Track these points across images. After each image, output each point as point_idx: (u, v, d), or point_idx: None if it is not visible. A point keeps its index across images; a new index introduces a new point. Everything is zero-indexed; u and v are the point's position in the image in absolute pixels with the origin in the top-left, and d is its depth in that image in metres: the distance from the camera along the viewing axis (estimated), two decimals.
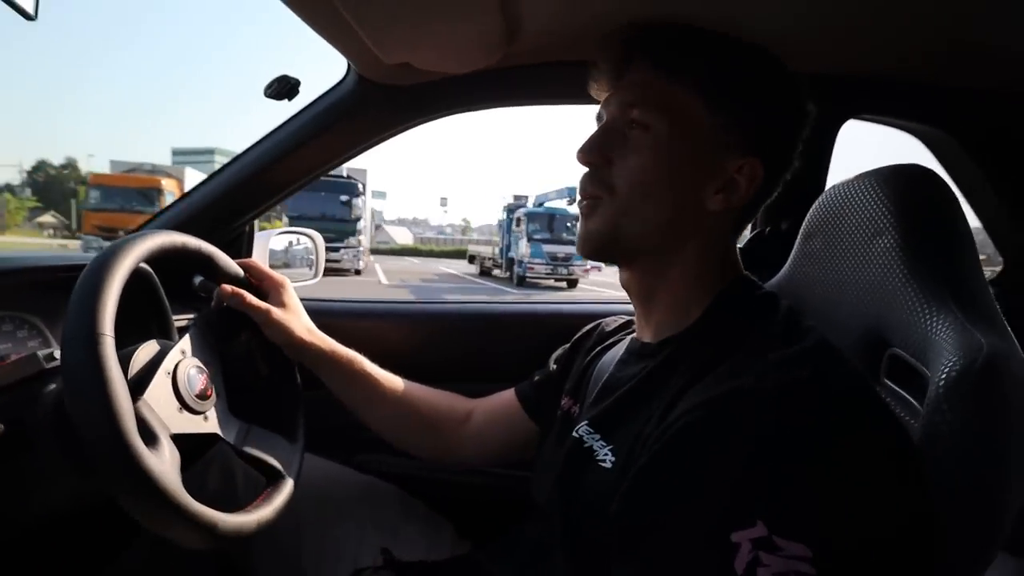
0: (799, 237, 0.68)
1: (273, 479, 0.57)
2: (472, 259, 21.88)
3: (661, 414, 0.46)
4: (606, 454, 0.51)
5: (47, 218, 44.10)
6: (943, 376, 0.39)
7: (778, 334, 0.47)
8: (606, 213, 0.54)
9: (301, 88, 0.84)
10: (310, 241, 1.27)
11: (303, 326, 0.72)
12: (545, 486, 0.61)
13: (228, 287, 0.67)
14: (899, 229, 0.51)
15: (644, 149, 0.52)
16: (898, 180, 0.54)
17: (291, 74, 0.83)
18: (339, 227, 12.91)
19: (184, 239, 0.61)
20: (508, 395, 0.79)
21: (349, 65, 0.81)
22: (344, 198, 13.19)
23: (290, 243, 1.19)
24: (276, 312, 0.69)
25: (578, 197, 0.57)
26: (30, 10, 0.45)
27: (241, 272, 0.71)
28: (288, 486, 0.57)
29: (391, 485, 0.87)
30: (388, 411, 0.77)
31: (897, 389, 0.50)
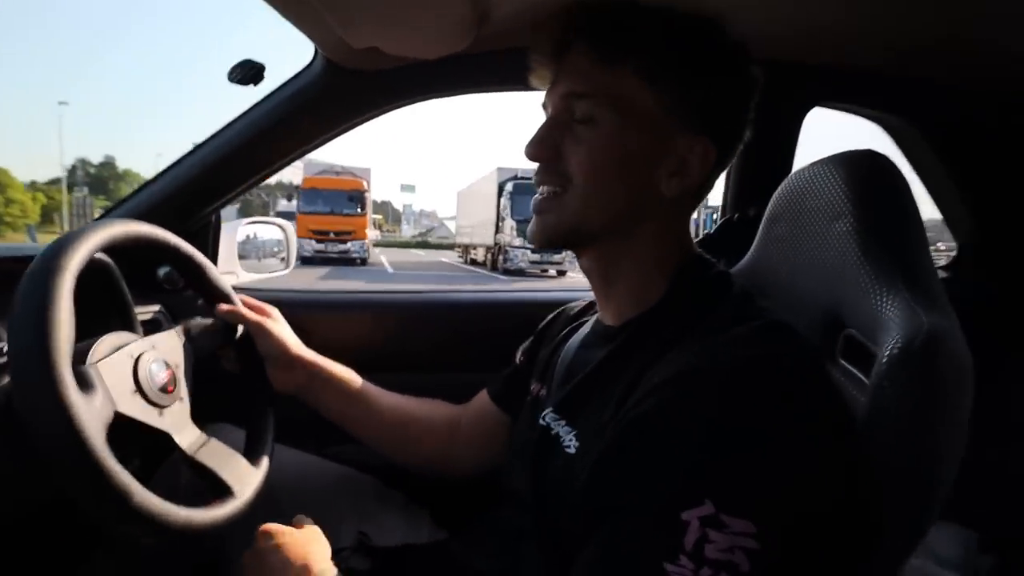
0: (764, 221, 0.69)
1: (218, 494, 0.55)
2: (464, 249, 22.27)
3: (619, 400, 0.47)
4: (571, 440, 0.52)
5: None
6: (887, 353, 0.40)
7: (731, 315, 0.49)
8: (567, 205, 0.54)
9: (266, 73, 0.82)
10: (280, 231, 1.24)
11: (296, 342, 0.73)
12: (516, 473, 0.62)
13: (224, 306, 0.68)
14: (855, 213, 0.52)
15: (594, 138, 0.52)
16: (855, 165, 0.55)
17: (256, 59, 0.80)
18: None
19: (144, 229, 0.59)
20: (483, 397, 0.80)
21: (316, 49, 0.79)
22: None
23: (253, 234, 1.16)
24: (271, 325, 0.70)
25: (537, 191, 0.57)
26: None
27: (206, 263, 0.69)
28: (234, 504, 0.55)
29: (368, 476, 0.86)
30: (384, 429, 0.77)
31: (850, 368, 0.52)
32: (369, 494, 0.84)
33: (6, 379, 0.52)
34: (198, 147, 0.90)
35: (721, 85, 0.53)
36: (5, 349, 0.51)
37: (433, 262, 22.02)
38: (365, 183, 16.63)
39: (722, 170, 0.57)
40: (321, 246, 15.71)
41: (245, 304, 0.73)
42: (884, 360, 0.40)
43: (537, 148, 0.54)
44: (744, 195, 0.99)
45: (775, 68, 0.84)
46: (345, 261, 15.83)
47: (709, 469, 0.38)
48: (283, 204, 32.45)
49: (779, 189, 0.66)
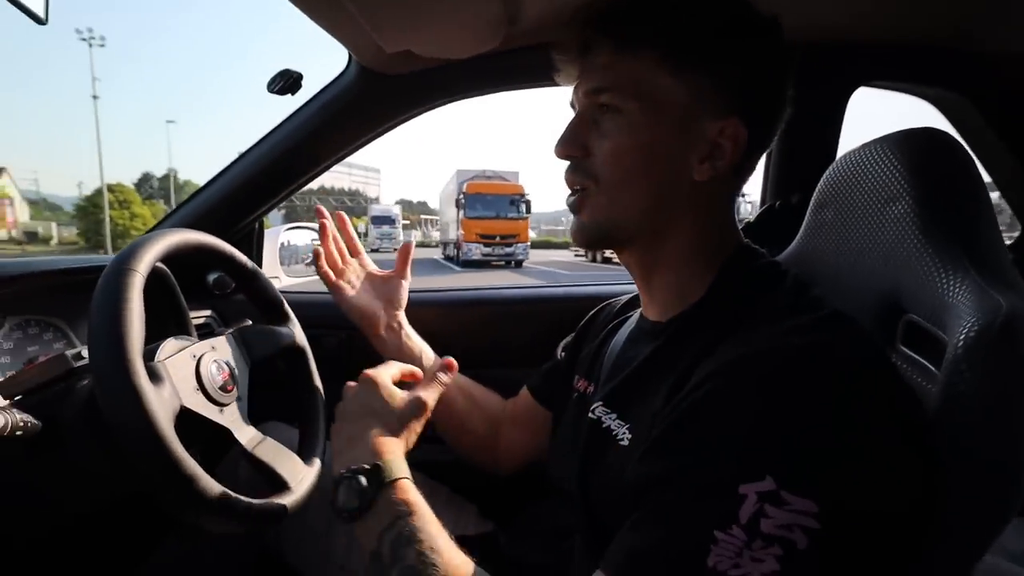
0: (810, 208, 0.67)
1: (276, 488, 0.57)
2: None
3: (670, 391, 0.46)
4: (624, 432, 0.51)
5: None
6: (962, 337, 0.38)
7: (788, 305, 0.47)
8: (596, 203, 0.53)
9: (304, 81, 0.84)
10: (316, 234, 1.28)
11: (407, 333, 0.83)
12: (564, 468, 0.62)
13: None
14: (913, 194, 0.50)
15: (618, 133, 0.51)
16: (912, 144, 0.53)
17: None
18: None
19: (200, 238, 0.62)
20: (523, 394, 0.80)
21: (350, 56, 0.81)
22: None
23: (288, 240, 1.21)
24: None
25: (568, 191, 0.57)
26: (41, 13, 0.46)
27: (258, 269, 0.72)
28: (290, 497, 0.57)
29: (415, 471, 0.88)
30: (454, 411, 0.79)
31: (914, 355, 0.49)
32: (417, 488, 0.86)
33: (87, 381, 0.55)
34: (241, 157, 0.94)
35: (747, 64, 0.51)
36: (85, 353, 0.54)
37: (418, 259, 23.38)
38: (523, 188, 18.40)
39: (762, 151, 0.55)
40: (488, 249, 17.22)
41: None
42: (960, 344, 0.38)
43: (565, 147, 0.54)
44: (785, 182, 0.96)
45: (815, 49, 0.82)
46: (507, 263, 17.82)
47: (771, 445, 0.37)
48: (376, 208, 34.72)
49: (826, 174, 0.64)
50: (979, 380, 0.37)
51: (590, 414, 0.57)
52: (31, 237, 35.59)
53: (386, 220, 32.11)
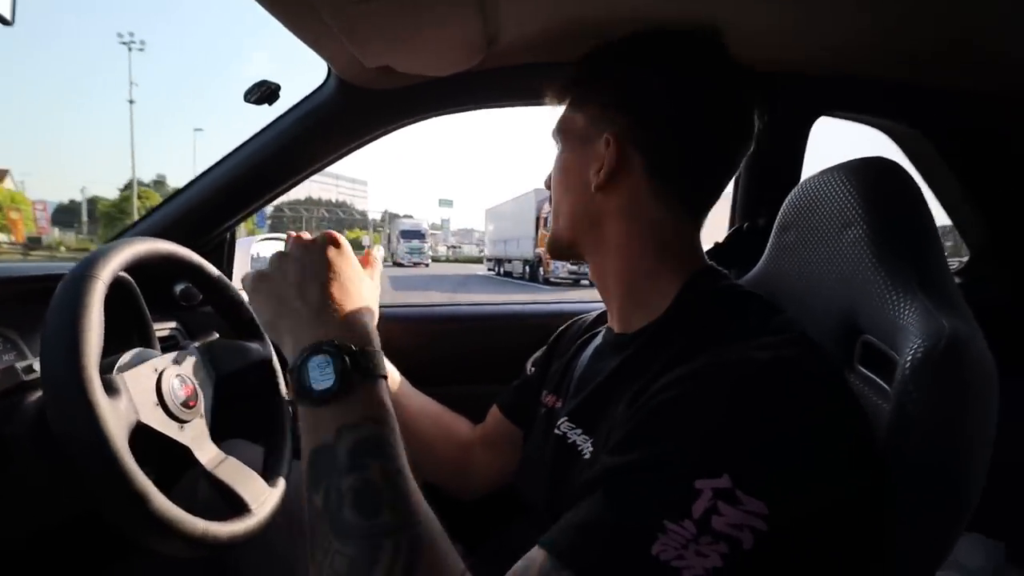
0: (774, 231, 0.69)
1: (236, 510, 0.55)
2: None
3: (635, 395, 0.47)
4: (587, 447, 0.52)
5: None
6: (909, 358, 0.40)
7: (758, 325, 0.49)
8: (553, 220, 0.63)
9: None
10: None
11: None
12: (533, 486, 0.62)
13: None
14: (867, 220, 0.53)
15: (555, 163, 0.63)
16: (866, 172, 0.55)
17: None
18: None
19: (169, 247, 0.61)
20: (494, 412, 0.80)
21: (329, 69, 0.81)
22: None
23: (257, 253, 1.17)
24: None
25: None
26: (7, 15, 0.45)
27: (228, 281, 0.70)
28: (251, 520, 0.55)
29: None
30: (420, 439, 0.76)
31: (869, 374, 0.51)
32: None
33: (39, 395, 0.53)
34: (214, 166, 0.92)
35: (622, 79, 0.58)
36: (37, 366, 0.52)
37: (470, 275, 23.27)
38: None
39: (672, 170, 0.57)
40: (575, 267, 16.83)
41: None
42: (907, 365, 0.40)
43: (547, 180, 0.65)
44: (752, 205, 1.00)
45: (780, 78, 0.86)
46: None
47: (732, 445, 0.38)
48: (406, 223, 34.11)
49: (788, 198, 0.67)
50: (924, 399, 0.39)
51: (556, 430, 0.58)
52: (34, 243, 32.31)
53: (416, 235, 31.70)
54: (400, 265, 29.74)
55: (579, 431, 0.55)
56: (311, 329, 0.45)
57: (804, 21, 0.70)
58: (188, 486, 0.65)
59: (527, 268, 19.68)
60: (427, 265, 30.51)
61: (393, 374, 0.78)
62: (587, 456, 0.51)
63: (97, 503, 0.44)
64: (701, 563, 0.35)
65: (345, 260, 0.51)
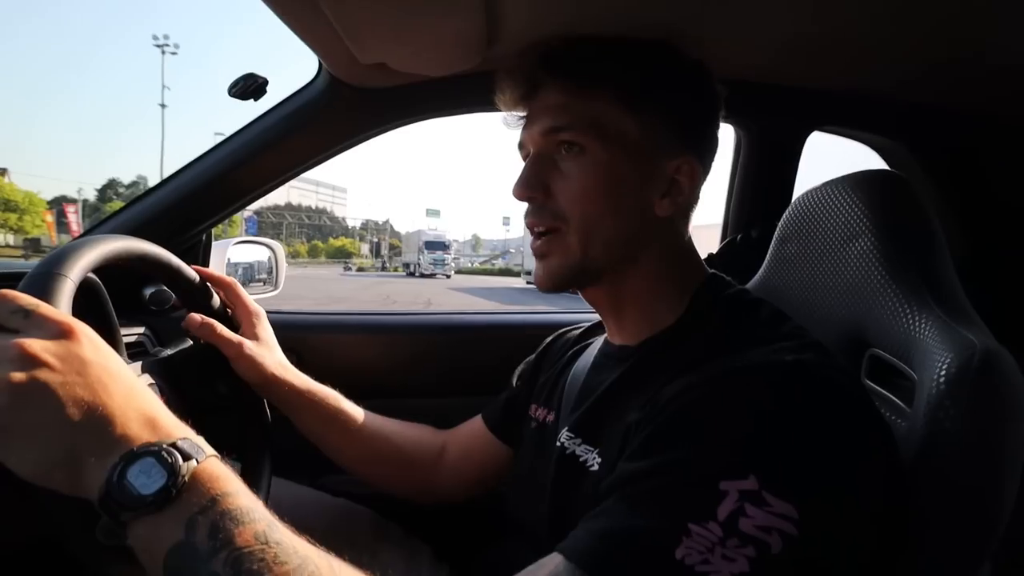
0: (773, 242, 0.69)
1: None
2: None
3: (648, 404, 0.45)
4: (594, 457, 0.50)
5: None
6: (941, 374, 0.39)
7: (771, 331, 0.48)
8: (566, 244, 0.53)
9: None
10: (268, 251, 1.21)
11: (276, 361, 0.67)
12: (528, 501, 0.59)
13: (197, 317, 0.61)
14: (875, 232, 0.52)
15: (583, 172, 0.51)
16: (871, 185, 0.55)
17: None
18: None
19: (145, 247, 0.56)
20: (477, 423, 0.77)
21: (320, 65, 0.78)
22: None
23: (229, 257, 1.11)
24: (248, 346, 0.64)
25: (530, 236, 0.56)
26: None
27: (214, 294, 0.66)
28: None
29: (364, 507, 0.82)
30: (364, 451, 0.73)
31: (879, 389, 0.50)
32: (366, 526, 0.80)
33: None
34: (194, 162, 0.87)
35: (695, 103, 0.55)
36: None
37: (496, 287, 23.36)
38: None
39: (702, 185, 0.58)
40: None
41: (231, 300, 0.68)
42: (941, 381, 0.39)
43: (525, 188, 0.53)
44: (745, 217, 1.00)
45: (776, 92, 0.86)
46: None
47: (758, 446, 0.37)
48: (429, 234, 33.47)
49: (788, 210, 0.66)
50: (963, 416, 0.38)
51: (557, 442, 0.56)
52: (33, 244, 29.72)
53: (439, 246, 32.00)
54: (423, 276, 29.97)
55: (582, 443, 0.53)
56: (109, 444, 0.36)
57: (799, 36, 0.71)
58: None
59: None
60: (448, 276, 30.68)
61: (342, 401, 0.72)
62: (594, 468, 0.49)
63: (49, 526, 0.40)
64: (728, 567, 0.33)
65: (90, 346, 0.39)
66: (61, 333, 0.37)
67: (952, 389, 0.39)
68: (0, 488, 0.44)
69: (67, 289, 0.44)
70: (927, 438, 0.40)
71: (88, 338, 0.39)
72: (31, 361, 0.35)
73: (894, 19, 0.64)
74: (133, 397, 0.38)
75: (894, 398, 0.48)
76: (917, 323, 0.45)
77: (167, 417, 0.40)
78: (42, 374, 0.35)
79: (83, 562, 0.42)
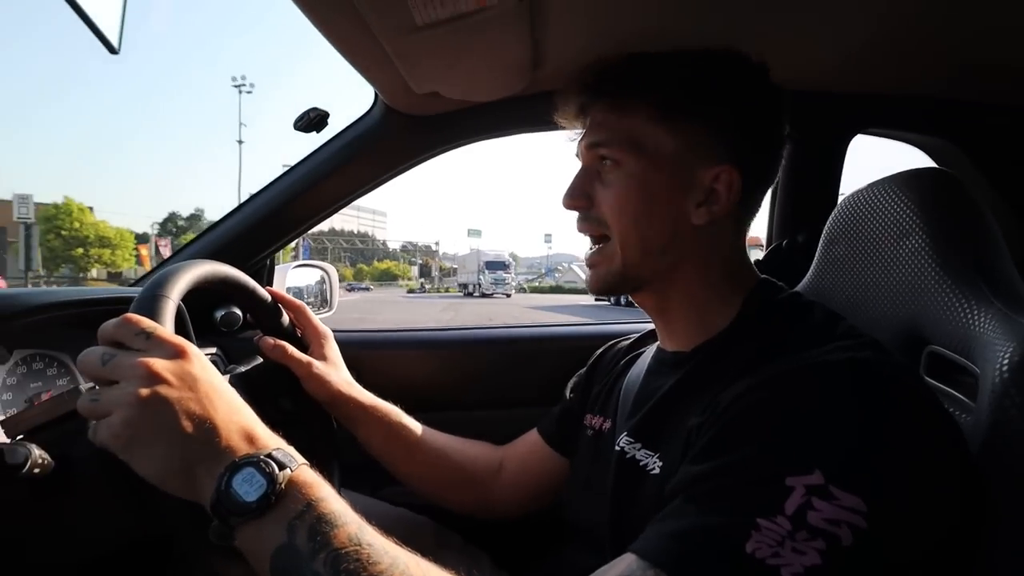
0: (821, 245, 0.69)
1: None
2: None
3: (708, 408, 0.46)
4: (655, 461, 0.51)
5: None
6: (1004, 363, 0.39)
7: (826, 332, 0.48)
8: (612, 252, 0.56)
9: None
10: (323, 274, 1.28)
11: (342, 379, 0.71)
12: (590, 510, 0.60)
13: (270, 340, 0.66)
14: (926, 230, 0.52)
15: (619, 183, 0.55)
16: (920, 183, 0.55)
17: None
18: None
19: (228, 270, 0.61)
20: (533, 437, 0.79)
21: (376, 96, 0.84)
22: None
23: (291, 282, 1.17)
24: (317, 366, 0.68)
25: (588, 243, 0.59)
26: (115, 43, 0.47)
27: (284, 315, 0.70)
28: None
29: (424, 517, 0.85)
30: (425, 467, 0.75)
31: (941, 386, 0.50)
32: (426, 535, 0.82)
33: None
34: (263, 190, 0.95)
35: (738, 111, 0.55)
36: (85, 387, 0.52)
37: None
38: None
39: (764, 190, 0.59)
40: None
41: (301, 323, 0.72)
42: (1004, 371, 0.39)
43: (571, 198, 0.58)
44: (790, 222, 0.99)
45: (818, 97, 0.87)
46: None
47: (822, 441, 0.37)
48: (489, 254, 34.47)
49: (834, 212, 0.67)
50: None
51: (616, 447, 0.57)
52: (116, 277, 33.11)
53: (500, 266, 32.76)
54: (485, 295, 30.62)
55: (642, 448, 0.54)
56: (216, 455, 0.40)
57: (839, 40, 0.71)
58: None
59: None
60: (508, 296, 31.05)
61: (404, 418, 0.75)
62: (655, 471, 0.50)
63: (170, 526, 0.44)
64: (799, 560, 0.34)
65: (199, 364, 0.43)
66: (176, 353, 0.42)
67: (1016, 377, 0.38)
68: (119, 490, 0.49)
69: (170, 309, 0.48)
70: (993, 428, 0.39)
71: (197, 357, 0.44)
72: (154, 378, 0.40)
73: (946, 19, 0.64)
74: (234, 411, 0.43)
75: (957, 394, 0.48)
76: (975, 317, 0.45)
77: (262, 430, 0.43)
78: (163, 390, 0.40)
79: (197, 560, 0.45)
